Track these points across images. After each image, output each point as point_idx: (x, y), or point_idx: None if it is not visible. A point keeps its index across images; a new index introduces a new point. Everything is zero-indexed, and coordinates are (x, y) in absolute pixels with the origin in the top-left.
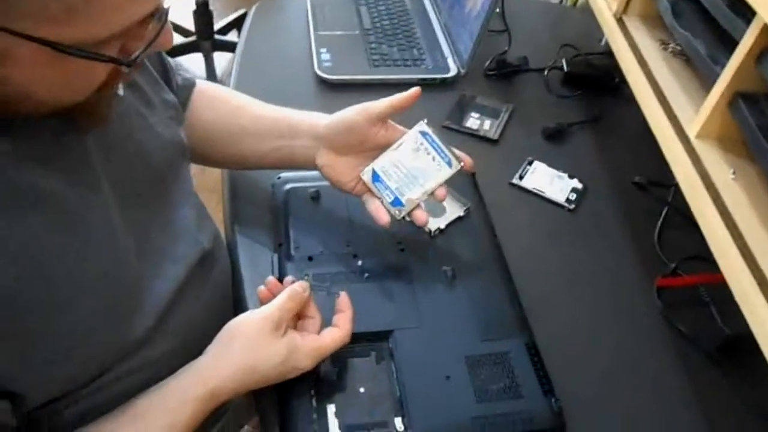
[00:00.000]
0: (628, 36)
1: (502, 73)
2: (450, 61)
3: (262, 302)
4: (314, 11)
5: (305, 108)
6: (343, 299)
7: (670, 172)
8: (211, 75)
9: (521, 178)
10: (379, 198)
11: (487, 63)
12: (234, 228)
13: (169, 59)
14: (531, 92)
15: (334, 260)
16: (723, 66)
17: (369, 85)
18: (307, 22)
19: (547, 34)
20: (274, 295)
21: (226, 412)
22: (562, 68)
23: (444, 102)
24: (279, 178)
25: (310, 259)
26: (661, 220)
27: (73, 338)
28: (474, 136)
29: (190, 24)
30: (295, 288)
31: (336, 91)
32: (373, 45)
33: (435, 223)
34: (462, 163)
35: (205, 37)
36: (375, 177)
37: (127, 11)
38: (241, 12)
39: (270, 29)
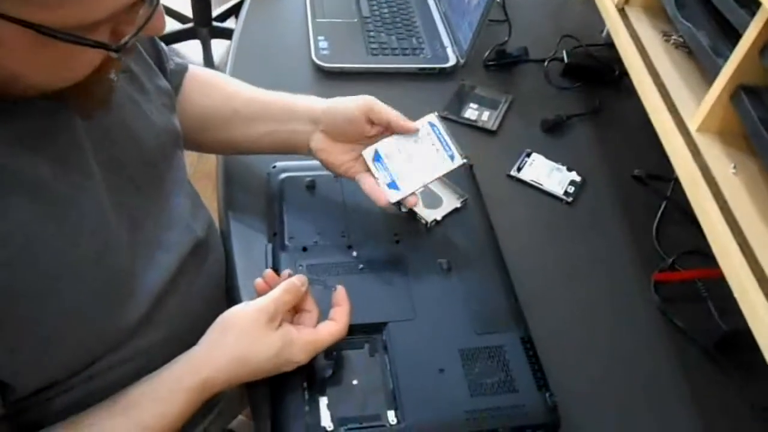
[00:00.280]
0: (629, 27)
1: (501, 64)
2: (449, 51)
3: (259, 294)
4: None
5: None
6: (341, 293)
7: (670, 165)
8: (208, 62)
9: (519, 170)
10: (375, 178)
11: (487, 53)
12: (228, 217)
13: (163, 44)
14: (530, 83)
15: (329, 251)
16: (726, 58)
17: (367, 74)
18: (305, 9)
19: (547, 25)
20: (271, 288)
21: (219, 402)
22: (562, 59)
23: (442, 92)
24: (274, 167)
25: (305, 249)
26: (659, 214)
27: (63, 325)
28: (472, 126)
29: (187, 10)
30: (293, 281)
31: (333, 79)
32: (371, 33)
33: (431, 215)
34: (465, 160)
35: (203, 24)
36: (377, 157)
37: None
38: None
39: (267, 16)
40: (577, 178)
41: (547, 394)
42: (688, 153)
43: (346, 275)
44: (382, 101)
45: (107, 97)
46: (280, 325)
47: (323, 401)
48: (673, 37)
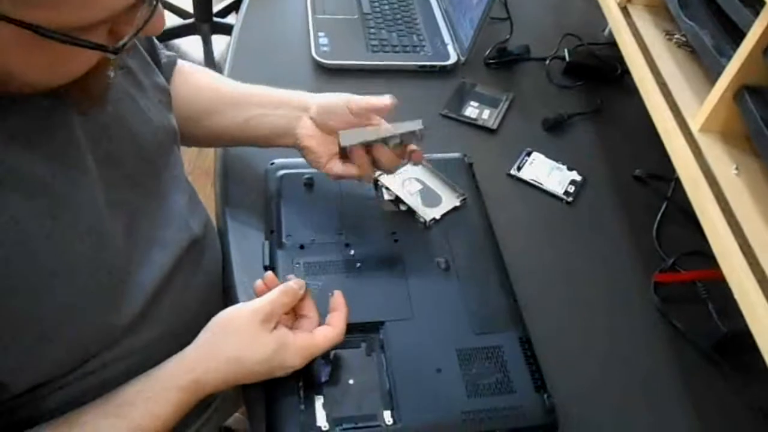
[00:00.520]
0: (632, 26)
1: (502, 62)
2: (450, 49)
3: (258, 296)
4: None
5: None
6: (338, 298)
7: (671, 166)
8: (209, 58)
9: (519, 169)
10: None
11: (488, 51)
12: (225, 213)
13: (154, 38)
14: (531, 82)
15: (326, 249)
16: (729, 58)
17: (367, 71)
18: (306, 5)
19: (549, 23)
20: (270, 290)
21: (214, 402)
22: (563, 58)
23: (443, 90)
24: (272, 164)
25: (302, 247)
26: (660, 214)
27: (58, 322)
28: (472, 125)
29: (188, 5)
30: (291, 284)
31: (333, 76)
32: (372, 30)
33: (430, 213)
34: (423, 127)
35: (204, 19)
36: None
37: None
38: None
39: (268, 12)
40: (578, 178)
41: (545, 395)
42: (690, 153)
43: (343, 273)
44: None
45: (104, 94)
46: (275, 327)
47: (319, 401)
48: (676, 36)
